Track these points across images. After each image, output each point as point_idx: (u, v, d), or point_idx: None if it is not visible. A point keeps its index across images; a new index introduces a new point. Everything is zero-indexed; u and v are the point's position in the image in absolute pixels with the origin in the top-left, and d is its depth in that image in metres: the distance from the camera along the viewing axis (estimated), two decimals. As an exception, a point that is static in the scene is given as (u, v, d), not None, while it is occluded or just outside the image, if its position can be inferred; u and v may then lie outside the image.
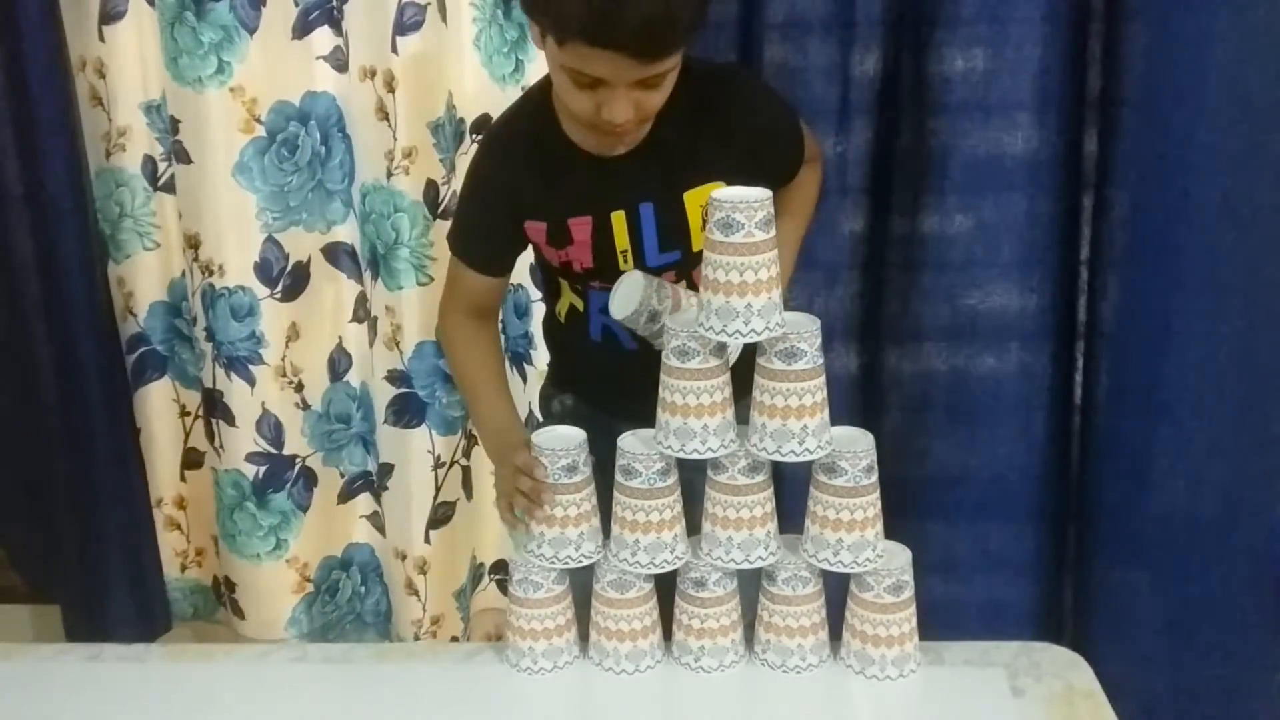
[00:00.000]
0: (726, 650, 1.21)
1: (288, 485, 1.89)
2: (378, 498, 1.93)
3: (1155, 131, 1.49)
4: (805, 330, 1.11)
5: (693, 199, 1.27)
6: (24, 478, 1.92)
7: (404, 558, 1.88)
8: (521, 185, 1.29)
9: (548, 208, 1.29)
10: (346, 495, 1.94)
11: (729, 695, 1.20)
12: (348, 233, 1.81)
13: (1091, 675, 1.22)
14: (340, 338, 1.87)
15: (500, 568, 2.00)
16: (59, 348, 1.81)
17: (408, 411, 1.82)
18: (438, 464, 1.84)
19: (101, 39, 1.77)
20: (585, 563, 1.20)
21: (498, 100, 1.68)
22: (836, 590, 1.23)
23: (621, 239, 1.28)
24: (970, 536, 1.70)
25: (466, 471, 1.89)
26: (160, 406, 1.97)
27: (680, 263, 1.30)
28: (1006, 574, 1.70)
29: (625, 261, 1.29)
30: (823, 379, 1.13)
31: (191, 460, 2.01)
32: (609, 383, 1.38)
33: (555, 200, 1.29)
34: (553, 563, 1.19)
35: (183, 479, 2.01)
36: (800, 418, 1.12)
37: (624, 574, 1.19)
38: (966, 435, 1.66)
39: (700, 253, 1.14)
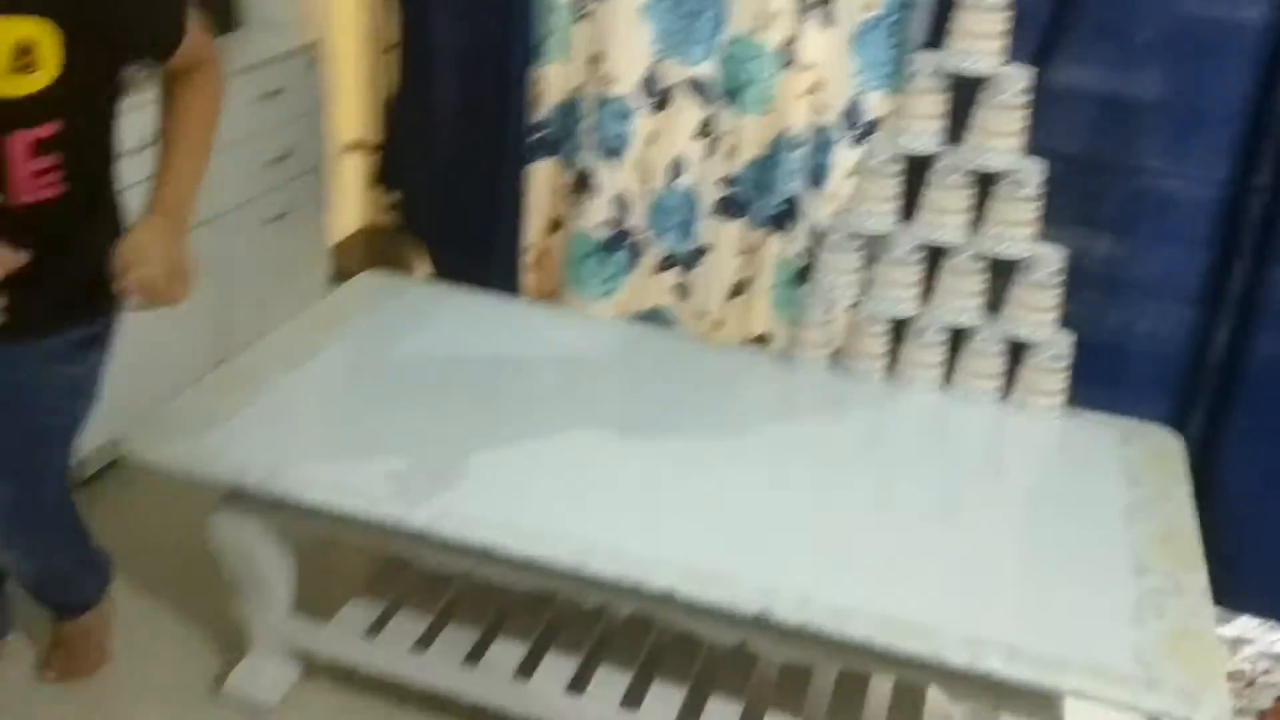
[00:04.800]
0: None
1: (624, 249, 2.58)
2: (686, 273, 2.60)
3: None
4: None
5: None
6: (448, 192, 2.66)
7: (701, 316, 2.56)
8: None
9: None
10: (662, 268, 2.62)
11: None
12: (708, 70, 2.44)
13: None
14: (682, 149, 2.52)
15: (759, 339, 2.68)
16: (502, 117, 2.51)
17: (729, 209, 2.48)
18: (743, 251, 2.51)
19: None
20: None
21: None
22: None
23: None
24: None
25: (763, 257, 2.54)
26: (541, 180, 2.66)
27: None
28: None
29: None
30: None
31: (554, 225, 2.70)
32: None
33: None
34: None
35: (544, 237, 2.71)
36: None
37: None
38: None
39: (11, 108, 1.15)
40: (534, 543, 1.70)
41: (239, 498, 1.88)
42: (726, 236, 2.50)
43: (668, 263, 2.60)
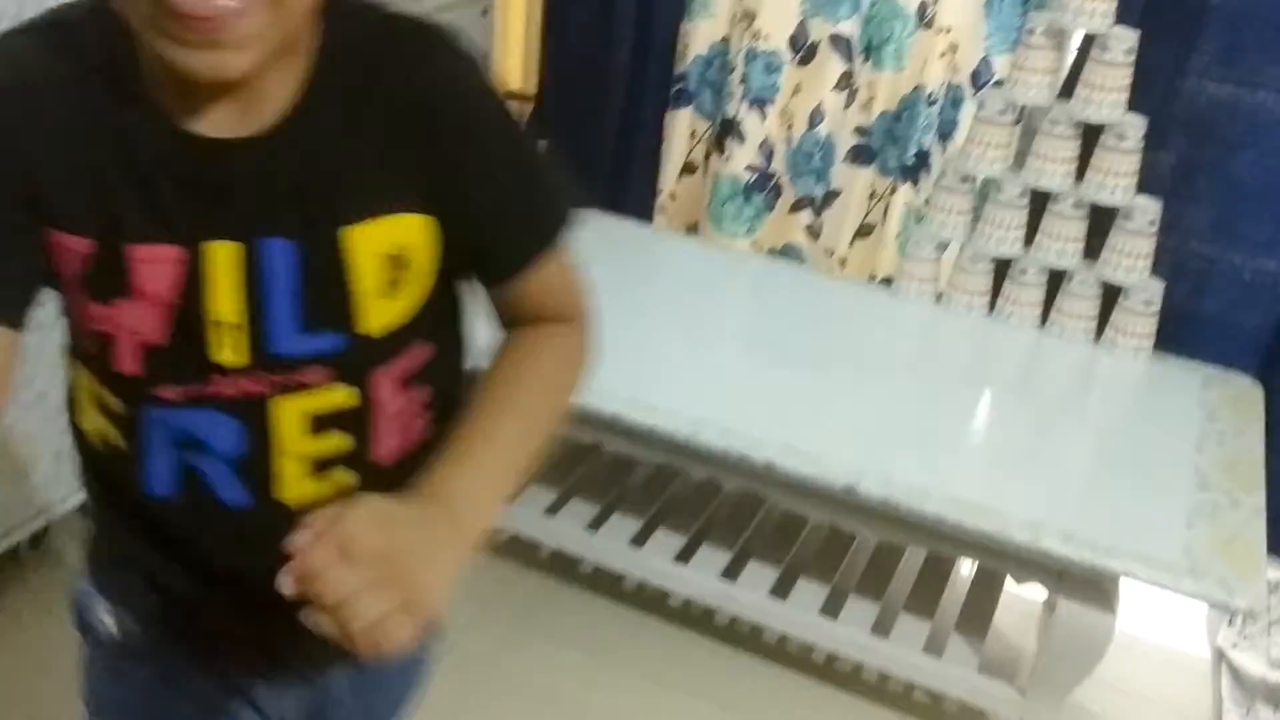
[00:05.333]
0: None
1: (766, 192, 2.83)
2: (818, 214, 2.84)
3: None
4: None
5: (362, 239, 0.81)
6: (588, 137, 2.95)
7: (830, 254, 2.80)
8: (48, 156, 0.76)
9: (89, 214, 0.78)
10: (797, 208, 2.87)
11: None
12: (850, 27, 2.67)
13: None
14: (823, 100, 2.76)
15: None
16: (641, 69, 2.80)
17: (861, 157, 2.71)
18: (872, 196, 2.74)
19: None
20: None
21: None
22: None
23: (224, 300, 0.80)
24: None
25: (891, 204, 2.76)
26: (679, 127, 2.94)
27: (338, 354, 0.84)
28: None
29: (223, 347, 0.81)
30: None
31: (687, 169, 2.98)
32: (193, 583, 0.91)
33: (108, 202, 0.77)
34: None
35: (678, 181, 2.99)
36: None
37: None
38: None
39: (380, 339, 0.83)
40: (654, 415, 1.98)
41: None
42: (858, 182, 2.73)
43: (801, 204, 2.84)
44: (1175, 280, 2.25)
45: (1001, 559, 1.89)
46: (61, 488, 2.15)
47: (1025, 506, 1.83)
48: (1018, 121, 2.26)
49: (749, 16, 2.70)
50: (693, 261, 2.67)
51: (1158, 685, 2.26)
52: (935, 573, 2.25)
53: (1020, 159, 2.28)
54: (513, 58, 3.55)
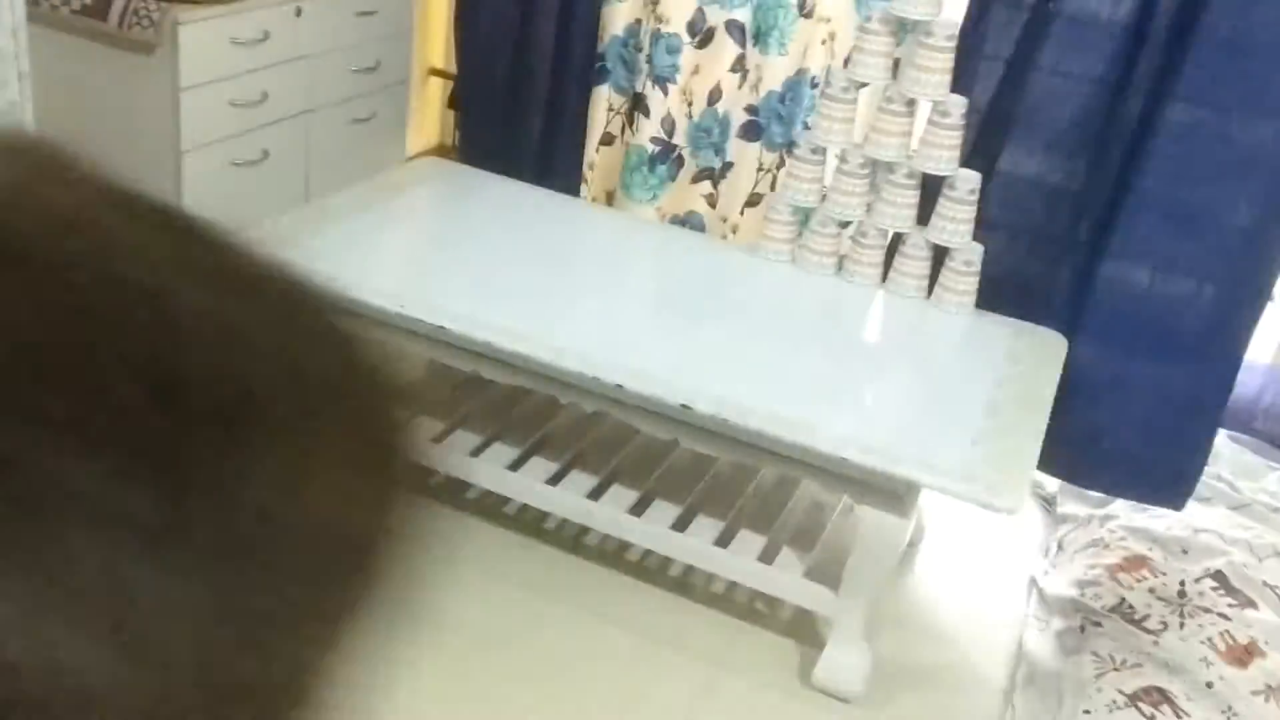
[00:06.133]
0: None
1: (669, 163, 3.12)
2: (716, 185, 3.12)
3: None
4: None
5: None
6: (511, 112, 3.23)
7: (724, 220, 3.08)
8: None
9: None
10: (698, 179, 3.15)
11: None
12: (743, 15, 2.95)
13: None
14: (720, 80, 3.04)
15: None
16: (566, 49, 3.09)
17: (751, 133, 2.99)
18: (760, 169, 3.02)
19: None
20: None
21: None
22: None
23: None
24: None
25: (777, 177, 3.05)
26: (598, 102, 3.22)
27: None
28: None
29: None
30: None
31: (605, 140, 3.26)
32: None
33: None
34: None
35: (596, 151, 3.28)
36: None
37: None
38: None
39: None
40: (522, 342, 2.26)
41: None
42: (748, 156, 3.01)
43: (702, 175, 3.13)
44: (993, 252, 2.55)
45: (814, 473, 2.17)
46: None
47: (835, 425, 2.11)
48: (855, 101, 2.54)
49: (654, 3, 2.99)
50: (605, 228, 2.94)
51: (979, 609, 2.54)
52: (776, 496, 2.54)
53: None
54: (435, 37, 3.83)
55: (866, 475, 2.09)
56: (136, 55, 2.66)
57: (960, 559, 2.68)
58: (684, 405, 2.15)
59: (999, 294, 2.55)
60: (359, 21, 3.25)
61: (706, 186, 3.14)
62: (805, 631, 2.39)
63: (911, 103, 2.45)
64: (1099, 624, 2.28)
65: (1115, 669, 2.16)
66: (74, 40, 2.70)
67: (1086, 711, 2.09)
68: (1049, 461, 2.45)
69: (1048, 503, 2.84)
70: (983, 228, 2.52)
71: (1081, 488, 2.64)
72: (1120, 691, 2.11)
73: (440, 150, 4.03)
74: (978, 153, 2.52)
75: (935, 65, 2.35)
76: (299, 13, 2.97)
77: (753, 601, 2.44)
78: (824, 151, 2.60)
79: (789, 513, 2.51)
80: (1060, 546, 2.60)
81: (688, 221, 3.18)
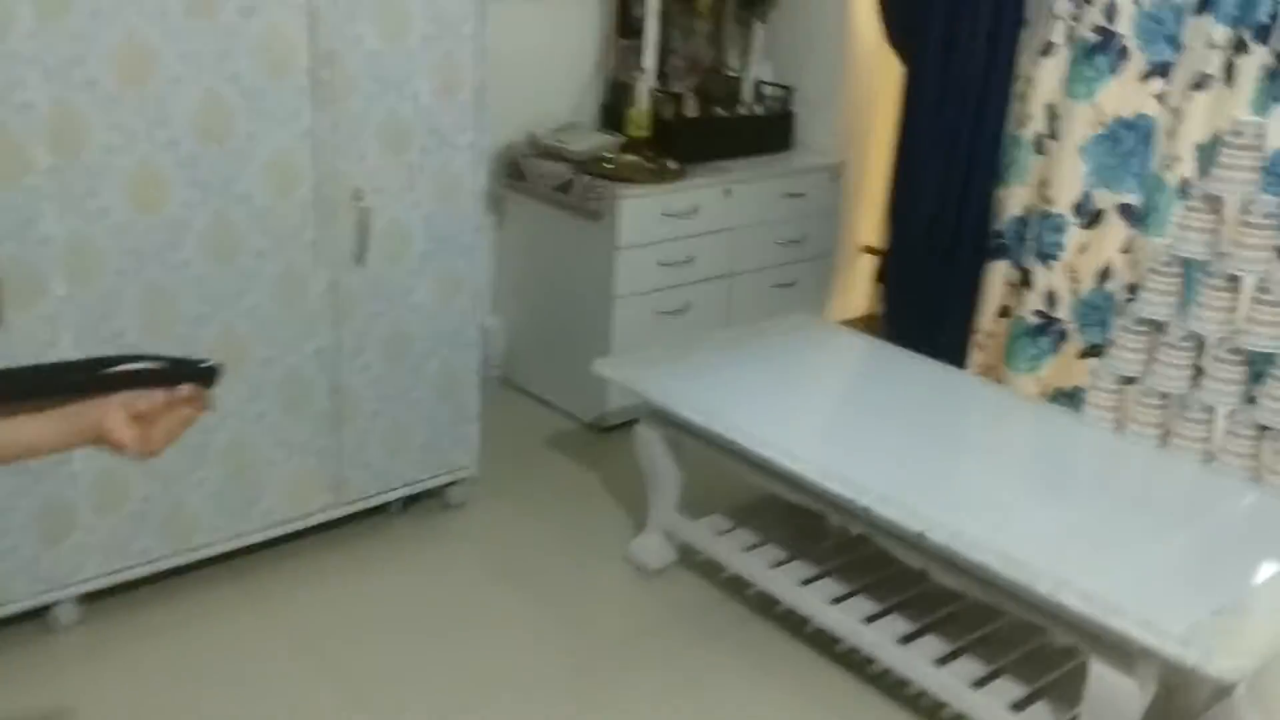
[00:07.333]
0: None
1: (1052, 335, 3.20)
2: (1098, 356, 3.14)
3: None
4: None
5: None
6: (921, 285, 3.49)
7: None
8: None
9: None
10: (1083, 354, 3.19)
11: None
12: (1133, 198, 3.01)
13: None
14: (1110, 259, 3.09)
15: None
16: (970, 229, 3.34)
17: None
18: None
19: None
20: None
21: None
22: None
23: None
24: None
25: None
26: (994, 277, 3.39)
27: None
28: None
29: None
30: None
31: (1003, 311, 3.41)
32: None
33: None
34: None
35: (996, 320, 3.43)
36: None
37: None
38: None
39: None
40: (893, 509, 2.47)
41: (658, 418, 2.81)
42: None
43: (1089, 351, 3.17)
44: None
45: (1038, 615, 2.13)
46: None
47: (1059, 568, 2.07)
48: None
49: (1045, 184, 3.15)
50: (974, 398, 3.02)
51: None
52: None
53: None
54: (868, 219, 4.17)
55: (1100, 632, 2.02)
56: (588, 221, 3.33)
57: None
58: (920, 534, 2.20)
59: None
60: (787, 201, 3.73)
61: (1094, 363, 3.17)
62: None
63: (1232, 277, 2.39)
64: None
65: None
66: (547, 208, 3.47)
67: None
68: None
69: None
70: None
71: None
72: None
73: (866, 321, 4.36)
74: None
75: (1258, 243, 2.30)
76: (728, 192, 3.51)
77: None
78: (1197, 338, 2.58)
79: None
80: None
81: (1073, 396, 3.22)
